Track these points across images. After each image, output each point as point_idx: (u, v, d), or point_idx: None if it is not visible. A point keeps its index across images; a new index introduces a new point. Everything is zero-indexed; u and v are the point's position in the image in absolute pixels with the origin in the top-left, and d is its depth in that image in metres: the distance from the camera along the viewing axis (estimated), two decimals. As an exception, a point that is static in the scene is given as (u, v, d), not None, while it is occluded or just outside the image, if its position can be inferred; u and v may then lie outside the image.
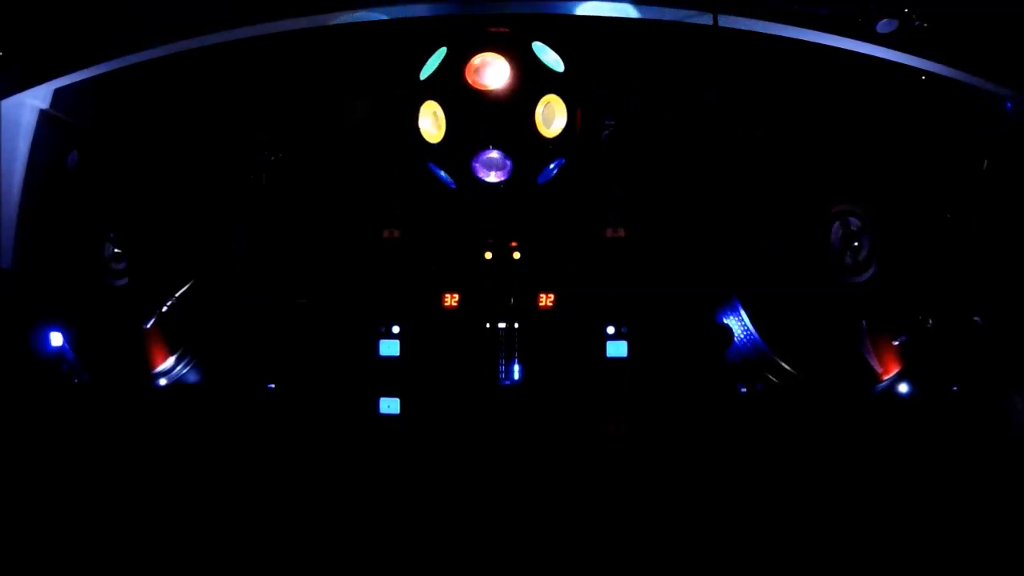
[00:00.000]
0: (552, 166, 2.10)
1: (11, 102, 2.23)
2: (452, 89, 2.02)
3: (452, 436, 2.19)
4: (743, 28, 2.16)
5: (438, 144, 2.06)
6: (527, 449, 2.16)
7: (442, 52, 2.06)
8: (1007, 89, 2.14)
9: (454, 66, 2.02)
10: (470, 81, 1.99)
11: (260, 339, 2.32)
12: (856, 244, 2.27)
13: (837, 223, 2.29)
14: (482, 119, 2.02)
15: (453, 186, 2.12)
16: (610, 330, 2.20)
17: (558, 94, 2.04)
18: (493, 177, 2.08)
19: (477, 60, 2.00)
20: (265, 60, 2.31)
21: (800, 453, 2.15)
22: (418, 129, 2.07)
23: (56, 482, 2.16)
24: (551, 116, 2.05)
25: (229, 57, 2.26)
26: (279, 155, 2.37)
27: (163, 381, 2.37)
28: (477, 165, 2.06)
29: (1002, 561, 1.94)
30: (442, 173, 2.12)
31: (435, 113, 2.05)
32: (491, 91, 2.00)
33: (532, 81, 2.02)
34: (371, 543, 2.07)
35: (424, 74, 2.07)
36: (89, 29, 2.16)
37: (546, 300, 2.21)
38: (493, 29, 2.07)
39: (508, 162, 2.05)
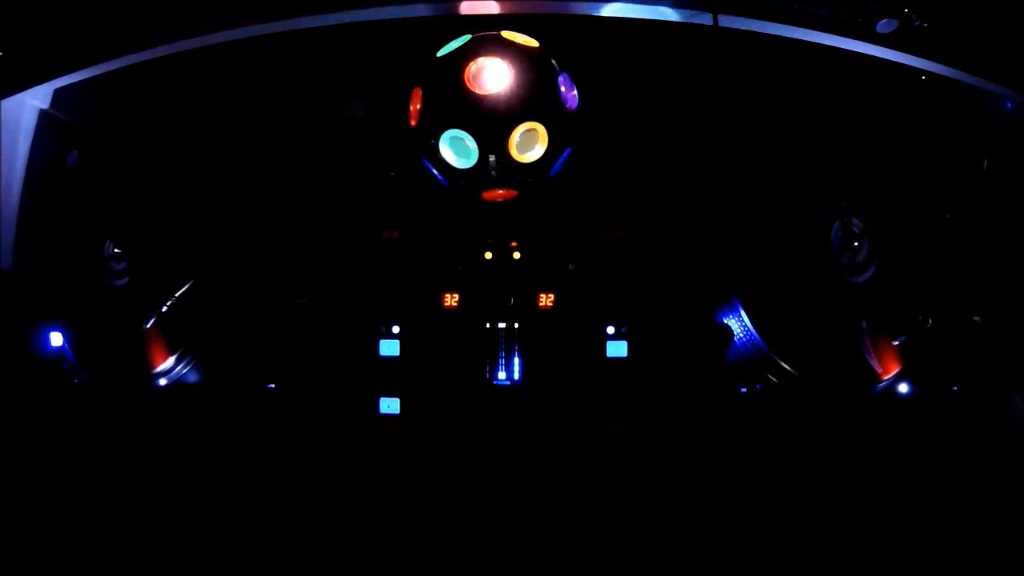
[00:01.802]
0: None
1: (11, 102, 2.23)
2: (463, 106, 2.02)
3: (452, 436, 2.19)
4: (743, 28, 2.16)
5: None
6: (527, 449, 2.16)
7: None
8: (1007, 89, 2.14)
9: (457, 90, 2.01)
10: (474, 90, 2.00)
11: (260, 339, 2.32)
12: (856, 244, 2.27)
13: (838, 223, 2.29)
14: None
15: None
16: (610, 330, 2.20)
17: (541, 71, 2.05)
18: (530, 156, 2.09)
19: (473, 69, 2.00)
20: (265, 60, 2.31)
21: (800, 453, 2.15)
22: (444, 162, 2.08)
23: (56, 482, 2.16)
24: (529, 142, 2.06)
25: (229, 57, 2.26)
26: (279, 155, 2.37)
27: (163, 381, 2.37)
28: None
29: (1002, 561, 1.94)
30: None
31: (454, 140, 2.05)
32: (494, 93, 2.00)
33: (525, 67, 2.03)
34: (371, 543, 2.06)
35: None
36: (89, 29, 2.15)
37: (546, 300, 2.21)
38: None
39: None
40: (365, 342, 2.22)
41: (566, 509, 2.09)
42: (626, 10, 2.21)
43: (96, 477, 2.18)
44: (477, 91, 2.00)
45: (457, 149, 2.06)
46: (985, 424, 2.15)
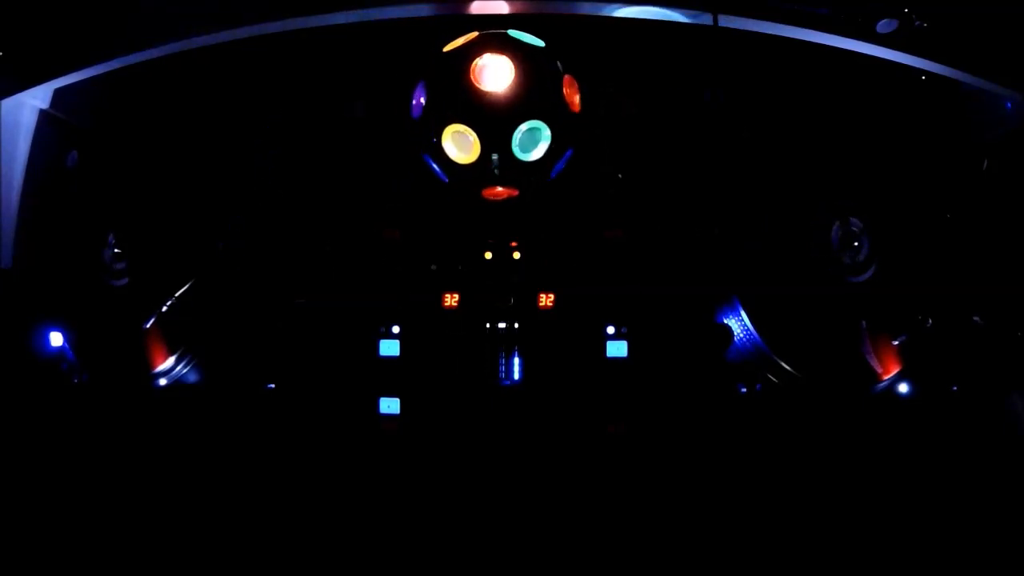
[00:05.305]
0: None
1: (11, 102, 2.22)
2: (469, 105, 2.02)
3: (452, 436, 2.19)
4: (743, 28, 2.16)
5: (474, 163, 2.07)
6: (527, 449, 2.16)
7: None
8: (1007, 89, 2.14)
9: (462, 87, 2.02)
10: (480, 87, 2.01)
11: (260, 339, 2.32)
12: (856, 244, 2.27)
13: (837, 223, 2.29)
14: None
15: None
16: (610, 330, 2.20)
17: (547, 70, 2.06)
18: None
19: (478, 66, 2.01)
20: (265, 60, 2.31)
21: (800, 453, 2.15)
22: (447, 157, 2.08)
23: (56, 482, 2.16)
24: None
25: (229, 57, 2.26)
26: (279, 155, 2.37)
27: (163, 381, 2.37)
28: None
29: (1002, 561, 1.94)
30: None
31: (456, 135, 2.05)
32: (497, 91, 2.01)
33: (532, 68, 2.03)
34: (371, 543, 2.07)
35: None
36: (89, 29, 2.15)
37: (546, 300, 2.21)
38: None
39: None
40: (365, 342, 2.22)
41: (566, 509, 2.09)
42: (626, 10, 2.20)
43: (96, 477, 2.18)
44: (481, 88, 2.00)
45: (459, 144, 2.06)
46: (985, 424, 2.15)
